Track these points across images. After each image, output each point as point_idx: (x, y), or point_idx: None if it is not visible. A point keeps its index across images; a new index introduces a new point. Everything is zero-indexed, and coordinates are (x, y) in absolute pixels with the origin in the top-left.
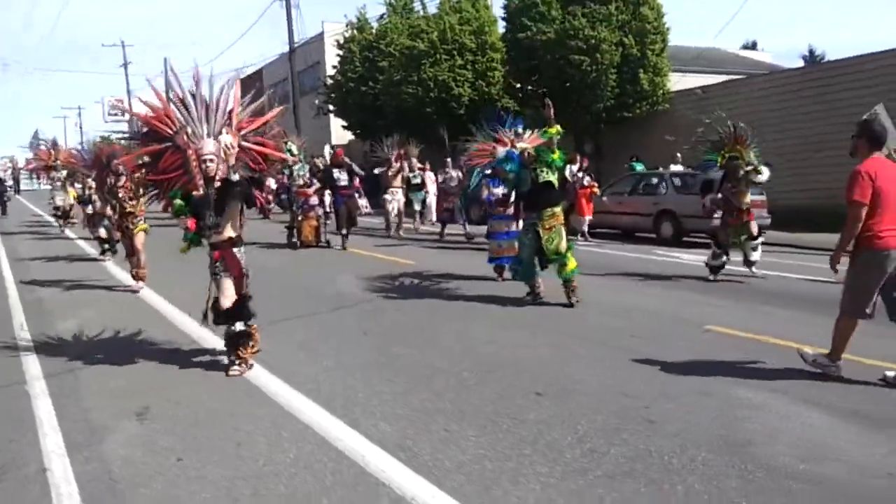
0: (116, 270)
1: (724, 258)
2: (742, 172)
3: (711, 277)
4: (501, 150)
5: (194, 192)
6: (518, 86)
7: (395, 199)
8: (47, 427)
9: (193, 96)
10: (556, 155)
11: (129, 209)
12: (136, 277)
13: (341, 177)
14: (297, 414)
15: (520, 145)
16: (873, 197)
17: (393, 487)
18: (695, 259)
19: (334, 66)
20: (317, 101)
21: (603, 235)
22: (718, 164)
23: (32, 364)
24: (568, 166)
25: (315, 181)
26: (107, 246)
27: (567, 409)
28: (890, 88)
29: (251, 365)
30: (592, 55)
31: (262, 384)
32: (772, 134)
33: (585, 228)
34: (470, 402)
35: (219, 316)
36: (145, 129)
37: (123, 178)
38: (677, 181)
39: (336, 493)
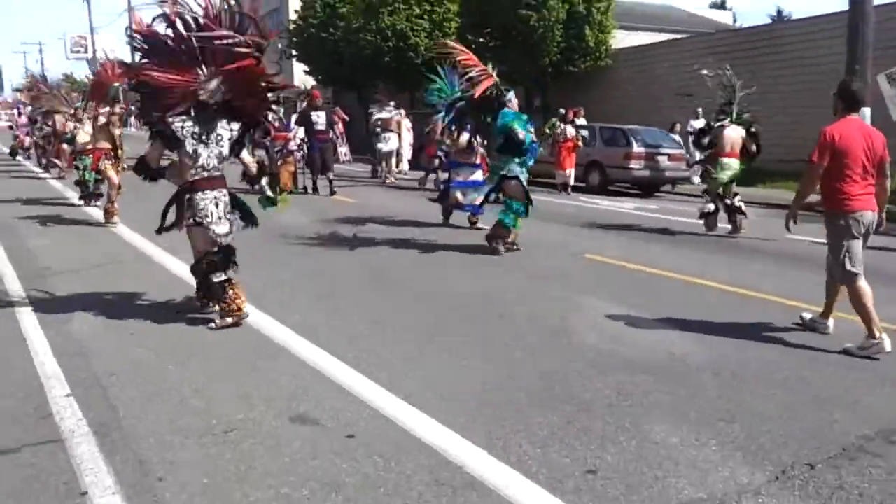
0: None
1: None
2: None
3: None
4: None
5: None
6: (470, 38)
7: (389, 143)
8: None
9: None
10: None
11: (118, 143)
12: (110, 213)
13: (318, 120)
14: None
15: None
16: (837, 158)
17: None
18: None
19: (296, 11)
20: (280, 46)
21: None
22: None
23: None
24: (559, 123)
25: (293, 124)
26: (90, 189)
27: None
28: (800, 56)
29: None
30: (540, 11)
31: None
32: (707, 93)
33: (571, 182)
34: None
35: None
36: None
37: (119, 110)
38: (606, 134)
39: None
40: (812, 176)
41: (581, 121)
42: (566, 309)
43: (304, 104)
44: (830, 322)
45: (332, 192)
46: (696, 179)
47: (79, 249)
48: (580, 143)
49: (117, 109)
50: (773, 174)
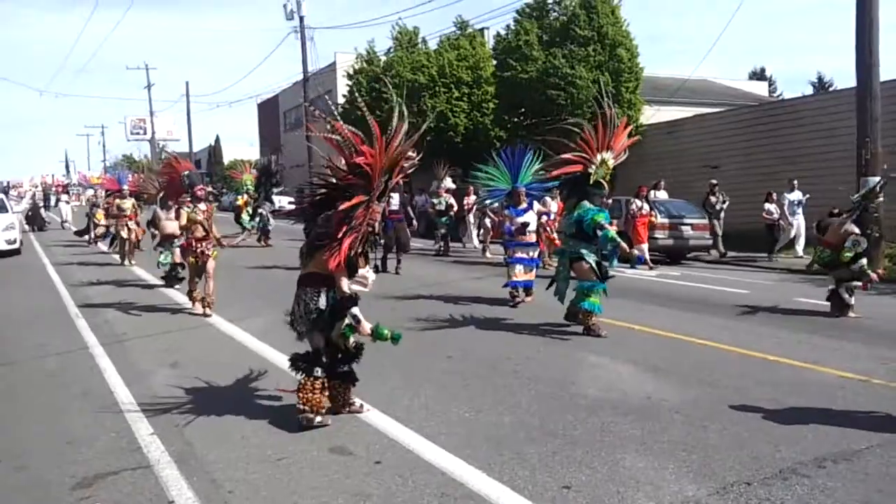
0: (175, 294)
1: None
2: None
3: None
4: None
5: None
6: (506, 118)
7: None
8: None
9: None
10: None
11: (207, 233)
12: (206, 304)
13: (392, 200)
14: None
15: (602, 155)
16: None
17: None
18: (634, 273)
19: (344, 96)
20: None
21: None
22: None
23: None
24: (633, 200)
25: None
26: (175, 272)
27: None
28: (816, 128)
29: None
30: (568, 91)
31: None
32: (732, 165)
33: (647, 256)
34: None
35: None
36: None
37: (206, 204)
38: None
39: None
40: None
41: (662, 193)
42: (573, 365)
43: None
44: None
45: (397, 271)
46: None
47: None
48: (655, 218)
49: (200, 193)
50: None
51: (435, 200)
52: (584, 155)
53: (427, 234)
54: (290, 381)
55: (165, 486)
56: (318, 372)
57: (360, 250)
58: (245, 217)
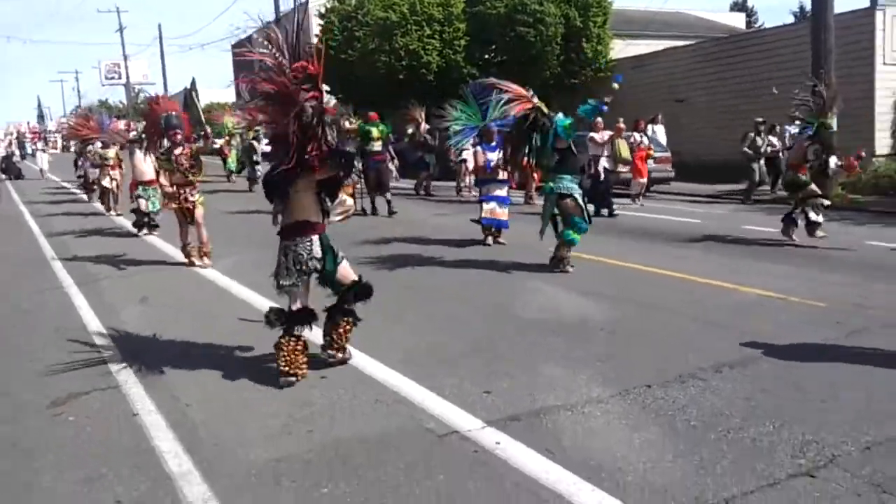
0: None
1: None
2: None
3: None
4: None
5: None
6: (477, 55)
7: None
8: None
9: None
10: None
11: (190, 178)
12: (202, 255)
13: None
14: None
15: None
16: None
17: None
18: None
19: (316, 35)
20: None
21: None
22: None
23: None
24: (632, 133)
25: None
26: (147, 220)
27: None
28: (785, 59)
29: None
30: (537, 27)
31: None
32: (699, 98)
33: (641, 191)
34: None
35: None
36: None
37: (182, 148)
38: None
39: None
40: None
41: (659, 128)
42: (519, 292)
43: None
44: None
45: (392, 213)
46: None
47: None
48: (652, 152)
49: (177, 138)
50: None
51: (427, 137)
52: (519, 96)
53: (407, 173)
54: (253, 313)
55: (131, 402)
56: (299, 331)
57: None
58: (231, 161)
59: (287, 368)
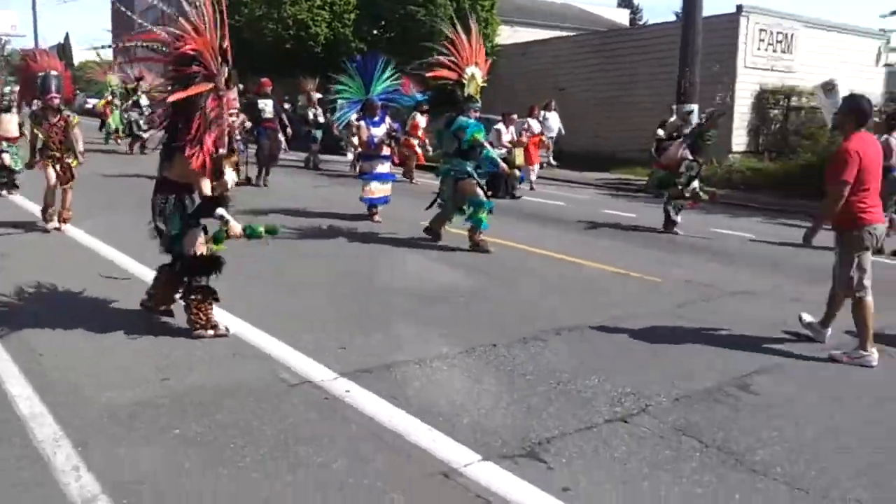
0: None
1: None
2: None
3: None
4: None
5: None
6: (366, 30)
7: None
8: None
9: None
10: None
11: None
12: (62, 220)
13: (266, 108)
14: None
15: (472, 69)
16: (858, 174)
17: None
18: None
19: None
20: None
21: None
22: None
23: None
24: (526, 119)
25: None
26: (7, 178)
27: None
28: (657, 57)
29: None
30: (427, 7)
31: None
32: (577, 88)
33: (533, 178)
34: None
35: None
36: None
37: (59, 117)
38: None
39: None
40: (842, 193)
41: (552, 114)
42: (394, 264)
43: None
44: (828, 331)
45: (265, 184)
46: None
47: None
48: (544, 138)
49: (53, 102)
50: (631, 161)
51: (310, 112)
52: (457, 63)
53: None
54: (116, 270)
55: None
56: (200, 281)
57: (224, 150)
58: (112, 123)
59: (197, 322)
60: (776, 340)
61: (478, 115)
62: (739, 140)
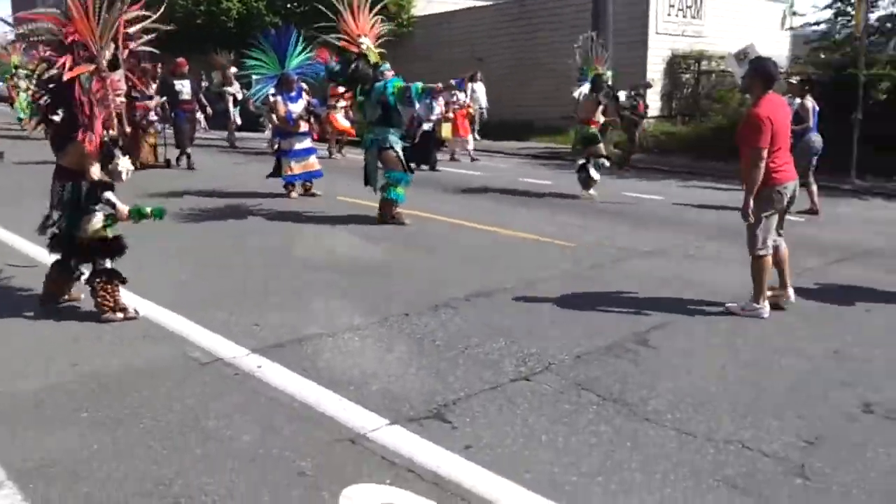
0: None
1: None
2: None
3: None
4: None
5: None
6: (279, 3)
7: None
8: None
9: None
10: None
11: None
12: None
13: (184, 90)
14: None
15: (364, 40)
16: (771, 138)
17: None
18: None
19: None
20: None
21: None
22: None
23: None
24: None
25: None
26: None
27: None
28: (574, 24)
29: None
30: None
31: None
32: (498, 56)
33: (470, 148)
34: None
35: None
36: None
37: None
38: None
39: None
40: (760, 161)
41: (479, 85)
42: (297, 237)
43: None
44: (790, 291)
45: (190, 167)
46: None
47: None
48: (472, 110)
49: None
50: (550, 130)
51: (229, 89)
52: (349, 37)
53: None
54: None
55: None
56: (103, 264)
57: (120, 133)
58: (18, 107)
59: (105, 306)
60: (679, 299)
61: (392, 73)
62: (653, 105)
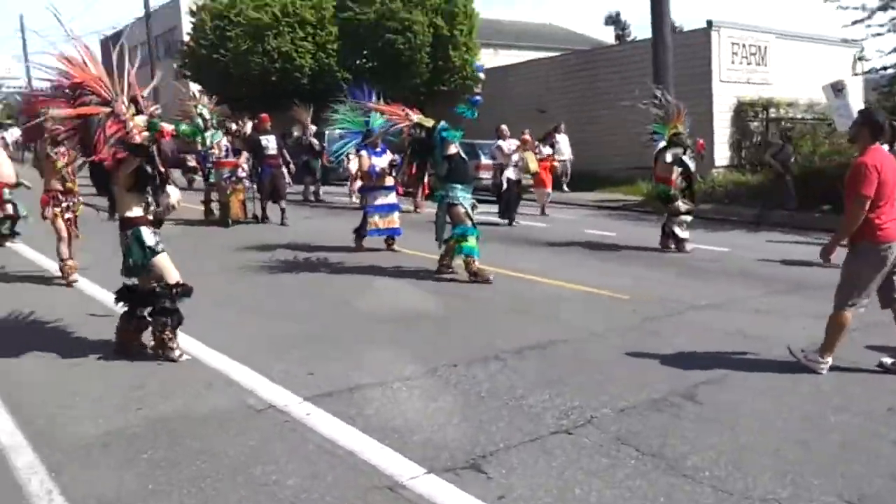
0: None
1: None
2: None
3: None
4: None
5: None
6: (349, 60)
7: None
8: None
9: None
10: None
11: (69, 184)
12: (72, 269)
13: (269, 145)
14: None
15: (416, 117)
16: (877, 188)
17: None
18: None
19: (188, 34)
20: (175, 66)
21: None
22: (667, 140)
23: None
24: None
25: (228, 150)
26: (9, 226)
27: None
28: (638, 73)
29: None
30: (405, 35)
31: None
32: (558, 109)
33: (546, 201)
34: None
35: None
36: (74, 91)
37: (64, 147)
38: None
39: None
40: (863, 207)
41: (562, 137)
42: (362, 288)
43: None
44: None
45: (284, 222)
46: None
47: None
48: (556, 162)
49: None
50: (613, 180)
51: (315, 140)
52: (398, 116)
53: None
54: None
55: None
56: (169, 305)
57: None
58: None
59: (160, 350)
60: (733, 352)
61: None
62: (722, 155)
